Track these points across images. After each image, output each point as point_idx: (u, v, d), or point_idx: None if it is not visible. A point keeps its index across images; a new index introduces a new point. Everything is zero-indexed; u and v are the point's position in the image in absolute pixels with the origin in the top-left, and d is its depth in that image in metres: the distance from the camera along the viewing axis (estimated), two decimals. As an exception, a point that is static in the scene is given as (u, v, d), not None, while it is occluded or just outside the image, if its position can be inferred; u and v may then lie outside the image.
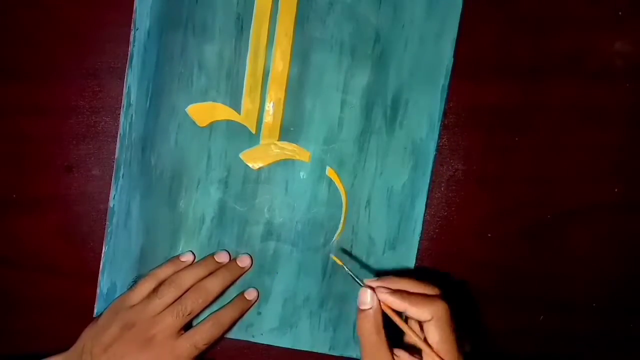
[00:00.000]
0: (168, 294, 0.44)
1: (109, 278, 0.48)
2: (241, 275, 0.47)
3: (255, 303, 0.48)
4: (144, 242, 0.47)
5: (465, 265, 0.48)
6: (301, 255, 0.47)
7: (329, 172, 0.47)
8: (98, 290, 0.48)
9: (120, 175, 0.47)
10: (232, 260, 0.47)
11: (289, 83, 0.46)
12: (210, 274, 0.46)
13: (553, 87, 0.47)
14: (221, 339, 0.46)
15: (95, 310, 0.48)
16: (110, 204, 0.47)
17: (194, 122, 0.47)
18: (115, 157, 0.47)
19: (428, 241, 0.48)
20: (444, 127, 0.47)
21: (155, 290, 0.44)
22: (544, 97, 0.47)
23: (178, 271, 0.46)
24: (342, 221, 0.47)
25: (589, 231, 0.48)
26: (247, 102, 0.47)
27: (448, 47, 0.46)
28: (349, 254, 0.47)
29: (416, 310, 0.37)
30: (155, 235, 0.47)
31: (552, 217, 0.47)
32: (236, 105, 0.47)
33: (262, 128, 0.47)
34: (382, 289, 0.38)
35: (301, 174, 0.47)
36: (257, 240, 0.48)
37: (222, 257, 0.47)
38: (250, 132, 0.47)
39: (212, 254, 0.47)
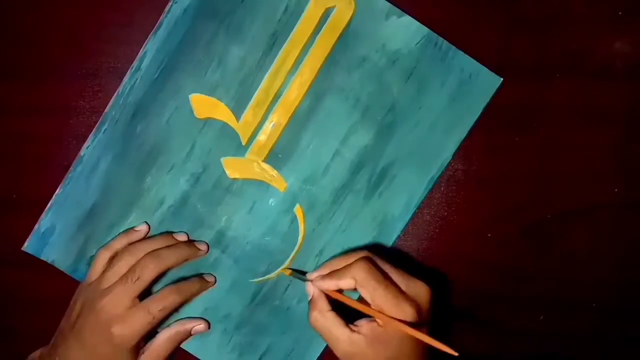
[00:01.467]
0: (120, 264, 0.43)
1: (52, 219, 0.47)
2: (195, 258, 0.47)
3: (213, 287, 0.47)
4: (97, 199, 0.47)
5: (465, 265, 0.48)
6: (238, 274, 0.48)
7: (297, 209, 0.47)
8: (36, 227, 0.47)
9: (102, 129, 0.47)
10: (191, 241, 0.47)
11: (296, 112, 0.47)
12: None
13: (553, 87, 0.47)
14: (177, 349, 0.46)
15: (25, 245, 0.47)
16: (82, 152, 0.47)
17: (192, 111, 0.47)
18: (105, 110, 0.47)
19: (428, 241, 0.48)
20: (444, 127, 0.47)
21: (109, 262, 0.44)
22: (544, 97, 0.47)
23: (133, 242, 0.45)
24: (289, 259, 0.48)
25: (589, 231, 0.48)
26: (249, 114, 0.47)
27: (453, 144, 0.47)
28: (300, 271, 0.47)
29: (343, 282, 0.39)
30: (111, 198, 0.47)
31: (552, 217, 0.48)
32: (238, 112, 0.47)
33: (253, 143, 0.47)
34: (317, 278, 0.41)
35: (271, 200, 0.47)
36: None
37: (181, 237, 0.47)
38: (240, 142, 0.47)
39: (170, 232, 0.47)
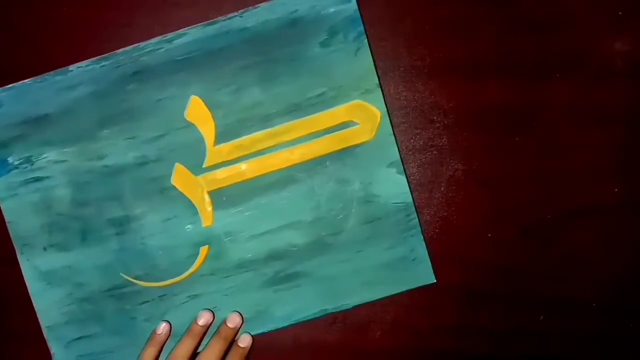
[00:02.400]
0: None
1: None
2: (235, 335, 0.48)
3: (251, 346, 0.48)
4: (53, 114, 0.47)
5: (465, 265, 0.48)
6: (116, 261, 0.48)
7: (204, 249, 0.48)
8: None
9: (102, 64, 0.47)
10: (224, 322, 0.48)
11: (264, 176, 0.48)
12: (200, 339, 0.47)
13: (553, 87, 0.47)
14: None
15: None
16: (71, 67, 0.47)
17: (185, 108, 0.47)
18: (116, 52, 0.47)
19: (428, 241, 0.48)
20: (444, 127, 0.47)
21: None
22: (544, 97, 0.47)
23: (172, 351, 0.46)
24: (166, 282, 0.48)
25: (589, 231, 0.48)
26: (227, 148, 0.48)
27: (359, 299, 0.48)
28: None
29: None
30: (66, 121, 0.47)
31: (552, 217, 0.48)
32: (220, 138, 0.48)
33: (212, 171, 0.48)
34: None
35: (189, 226, 0.48)
36: (107, 219, 0.48)
37: (205, 318, 0.47)
38: (203, 163, 0.48)
39: (195, 320, 0.47)
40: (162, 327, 0.47)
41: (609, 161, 0.48)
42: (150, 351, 0.46)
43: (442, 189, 0.48)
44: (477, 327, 0.49)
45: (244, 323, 0.48)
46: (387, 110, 0.47)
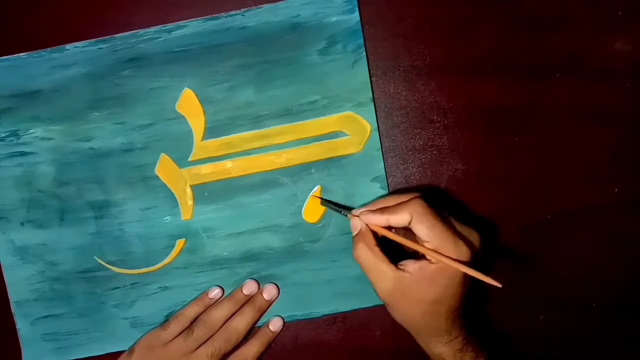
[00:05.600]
0: (201, 333, 0.46)
1: None
2: (268, 307, 0.48)
3: (280, 332, 0.48)
4: (45, 89, 0.47)
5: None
6: (91, 244, 0.48)
7: (181, 242, 0.48)
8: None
9: (99, 46, 0.47)
10: (258, 292, 0.48)
11: (247, 176, 0.48)
12: (239, 307, 0.47)
13: (553, 87, 0.47)
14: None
15: None
16: (67, 46, 0.47)
17: (177, 99, 0.48)
18: (114, 36, 0.47)
19: (428, 241, 0.48)
20: (444, 127, 0.47)
21: (189, 328, 0.46)
22: (544, 97, 0.47)
23: (208, 310, 0.47)
24: (139, 270, 0.48)
25: (589, 231, 0.48)
26: (215, 144, 0.48)
27: (325, 309, 0.49)
28: (328, 201, 0.47)
29: (396, 218, 0.38)
30: (57, 97, 0.48)
31: (552, 217, 0.48)
32: (209, 134, 0.48)
33: (197, 165, 0.48)
34: (365, 212, 0.40)
35: (168, 217, 0.48)
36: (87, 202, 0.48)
37: (250, 288, 0.48)
38: (188, 156, 0.48)
39: (241, 286, 0.48)
40: (216, 292, 0.48)
41: (609, 161, 0.48)
42: (196, 308, 0.47)
43: (442, 189, 0.48)
44: (477, 327, 0.49)
45: (279, 296, 0.48)
46: (378, 125, 0.47)
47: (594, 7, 0.47)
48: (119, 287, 0.48)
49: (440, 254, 0.37)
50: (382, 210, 0.40)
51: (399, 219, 0.38)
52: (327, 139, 0.48)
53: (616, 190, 0.48)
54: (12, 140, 0.48)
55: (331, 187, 0.48)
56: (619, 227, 0.48)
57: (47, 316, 0.48)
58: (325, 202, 0.47)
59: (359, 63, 0.47)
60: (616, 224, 0.48)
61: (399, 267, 0.39)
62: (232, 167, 0.48)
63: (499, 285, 0.36)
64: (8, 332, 0.49)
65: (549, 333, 0.48)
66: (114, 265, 0.48)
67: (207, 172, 0.48)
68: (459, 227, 0.40)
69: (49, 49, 0.48)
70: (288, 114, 0.48)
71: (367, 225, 0.40)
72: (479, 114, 0.48)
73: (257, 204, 0.48)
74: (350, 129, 0.48)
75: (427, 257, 0.38)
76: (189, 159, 0.48)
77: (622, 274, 0.48)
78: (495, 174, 0.48)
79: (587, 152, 0.48)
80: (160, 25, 0.47)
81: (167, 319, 0.47)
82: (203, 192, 0.48)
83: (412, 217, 0.38)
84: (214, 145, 0.48)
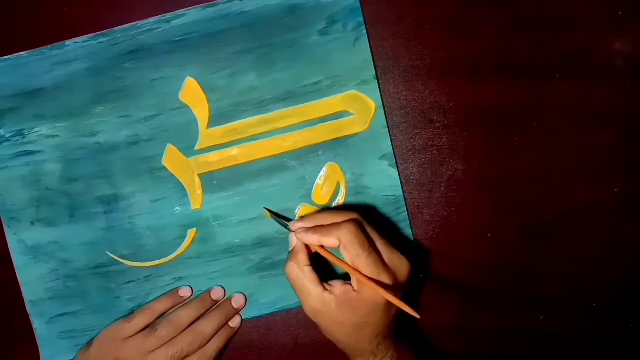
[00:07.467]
0: (165, 333, 0.45)
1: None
2: (234, 315, 0.49)
3: (238, 329, 0.49)
4: (47, 87, 0.47)
5: (465, 265, 0.48)
6: (102, 238, 0.48)
7: (192, 232, 0.49)
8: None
9: (99, 40, 0.47)
10: (227, 299, 0.49)
11: (255, 162, 0.48)
12: (206, 310, 0.48)
13: (553, 87, 0.47)
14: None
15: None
16: (68, 42, 0.47)
17: (180, 89, 0.48)
18: (114, 29, 0.47)
19: (428, 241, 0.48)
20: (444, 127, 0.47)
21: (152, 326, 0.46)
22: (544, 97, 0.48)
23: (176, 309, 0.47)
24: (151, 263, 0.48)
25: (588, 231, 0.48)
26: (220, 131, 0.48)
27: None
28: (275, 214, 0.48)
29: (327, 240, 0.40)
30: (59, 95, 0.47)
31: (552, 217, 0.48)
32: (214, 122, 0.48)
33: (204, 154, 0.48)
34: (301, 230, 0.41)
35: (178, 208, 0.49)
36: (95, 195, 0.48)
37: (218, 294, 0.49)
38: (195, 145, 0.48)
39: (209, 290, 0.49)
40: (187, 291, 0.48)
41: (609, 161, 0.48)
42: (165, 303, 0.47)
43: (442, 189, 0.48)
44: (477, 327, 0.49)
45: (246, 306, 0.49)
46: (382, 102, 0.47)
47: (594, 7, 0.48)
48: (132, 281, 0.49)
49: (365, 276, 0.38)
50: (315, 229, 0.40)
51: (330, 242, 0.40)
52: (333, 120, 0.48)
53: (616, 190, 0.48)
54: (17, 140, 0.48)
55: (339, 167, 0.48)
56: (619, 227, 0.48)
57: (63, 314, 0.48)
58: (273, 215, 0.47)
59: (360, 41, 0.47)
60: (616, 224, 0.48)
61: (327, 287, 0.40)
62: (238, 154, 0.48)
63: (418, 317, 0.37)
64: (24, 332, 0.49)
65: (549, 333, 0.48)
66: (126, 259, 0.48)
67: (214, 160, 0.48)
68: (389, 255, 0.41)
69: (49, 46, 0.47)
70: (292, 97, 0.48)
71: (301, 242, 0.41)
72: (479, 114, 0.48)
73: (266, 189, 0.48)
74: (355, 108, 0.48)
75: (352, 282, 0.40)
76: (196, 148, 0.48)
77: (622, 274, 0.48)
78: (495, 174, 0.48)
79: (587, 152, 0.48)
80: (159, 16, 0.47)
81: (132, 312, 0.47)
82: (211, 181, 0.48)
83: (340, 242, 0.39)
84: (220, 132, 0.48)
